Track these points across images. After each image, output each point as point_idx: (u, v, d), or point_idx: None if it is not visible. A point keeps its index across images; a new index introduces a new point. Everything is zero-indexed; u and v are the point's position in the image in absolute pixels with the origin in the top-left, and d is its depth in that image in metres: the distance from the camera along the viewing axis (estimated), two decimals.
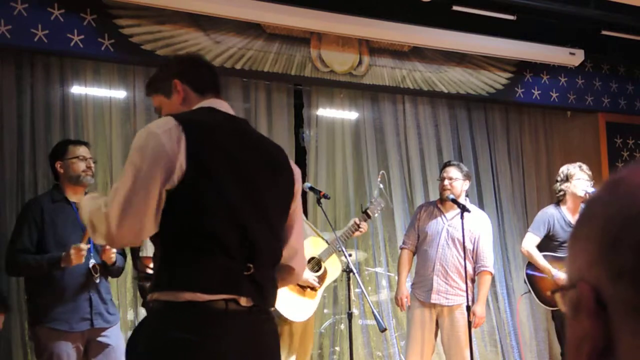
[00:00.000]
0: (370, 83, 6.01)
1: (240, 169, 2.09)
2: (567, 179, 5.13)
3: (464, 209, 4.72)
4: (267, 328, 2.14)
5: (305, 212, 5.88)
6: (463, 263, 4.75)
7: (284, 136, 5.91)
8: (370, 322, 5.96)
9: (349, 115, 6.33)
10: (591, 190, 5.01)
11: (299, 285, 4.43)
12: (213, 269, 1.99)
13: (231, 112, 2.27)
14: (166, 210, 1.99)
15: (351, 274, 4.40)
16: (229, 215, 2.02)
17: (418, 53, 6.16)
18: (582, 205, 0.78)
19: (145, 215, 1.96)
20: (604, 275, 0.65)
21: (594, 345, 0.66)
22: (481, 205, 6.65)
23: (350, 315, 4.43)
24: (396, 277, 5.18)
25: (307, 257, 4.48)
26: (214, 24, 5.32)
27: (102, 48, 4.94)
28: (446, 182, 4.87)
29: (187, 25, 5.25)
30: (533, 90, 6.72)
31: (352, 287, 4.63)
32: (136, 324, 2.96)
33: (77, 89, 5.23)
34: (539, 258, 5.01)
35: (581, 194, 5.00)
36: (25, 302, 4.32)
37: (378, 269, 6.10)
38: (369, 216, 4.73)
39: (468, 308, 4.70)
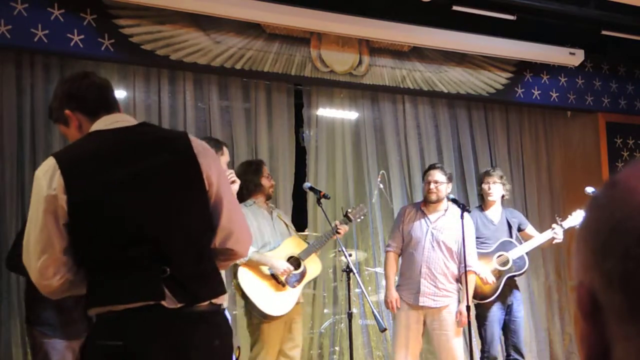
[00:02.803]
0: (370, 83, 6.01)
1: (130, 180, 2.12)
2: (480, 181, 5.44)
3: (464, 208, 4.74)
4: (197, 326, 2.13)
5: (305, 212, 5.90)
6: (450, 264, 4.85)
7: (284, 136, 5.91)
8: (370, 322, 5.96)
9: (349, 115, 6.33)
10: (591, 190, 5.04)
11: (276, 280, 4.47)
12: (126, 284, 2.07)
13: (125, 123, 2.29)
14: (72, 242, 2.10)
15: (351, 274, 4.40)
16: (126, 232, 2.09)
17: (418, 53, 6.16)
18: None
19: (58, 252, 2.08)
20: (597, 280, 0.66)
21: (590, 347, 0.67)
22: None
23: (350, 315, 4.43)
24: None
25: (287, 256, 4.56)
26: (214, 24, 5.32)
27: (102, 48, 4.94)
28: (432, 185, 4.90)
29: (187, 25, 5.24)
30: (533, 90, 6.73)
31: (352, 287, 4.63)
32: None
33: None
34: None
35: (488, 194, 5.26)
36: (24, 301, 4.31)
37: (378, 269, 6.10)
38: (349, 219, 4.78)
39: (468, 308, 4.73)
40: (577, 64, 6.63)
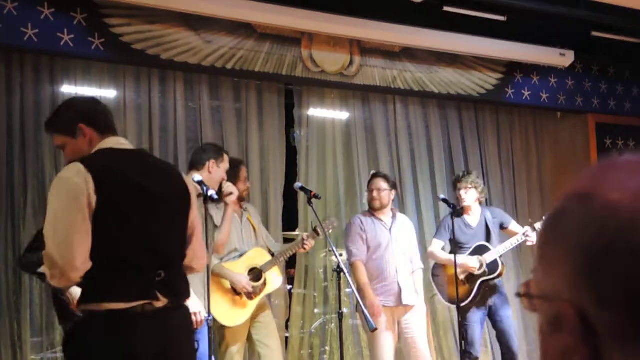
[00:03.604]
0: (361, 83, 6.02)
1: (144, 195, 2.55)
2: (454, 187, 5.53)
3: (454, 208, 4.84)
4: (179, 321, 2.64)
5: (295, 212, 5.90)
6: (409, 264, 5.04)
7: (274, 136, 5.91)
8: (361, 321, 5.96)
9: (340, 115, 6.33)
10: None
11: (235, 292, 4.52)
12: (128, 283, 2.47)
13: (128, 146, 2.71)
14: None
15: (342, 274, 4.41)
16: (139, 238, 2.51)
17: (409, 53, 6.17)
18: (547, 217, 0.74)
19: (90, 244, 2.42)
20: (588, 300, 0.64)
21: None
22: None
23: (340, 315, 4.44)
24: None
25: (249, 267, 4.61)
26: (205, 24, 5.31)
27: (92, 47, 4.93)
28: (375, 193, 5.03)
29: (178, 24, 5.23)
30: (523, 91, 6.75)
31: (342, 286, 4.64)
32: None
33: (67, 89, 5.21)
34: (442, 255, 5.32)
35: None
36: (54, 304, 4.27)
37: None
38: (317, 234, 4.80)
39: (460, 308, 4.82)
40: (567, 64, 6.66)
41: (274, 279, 4.74)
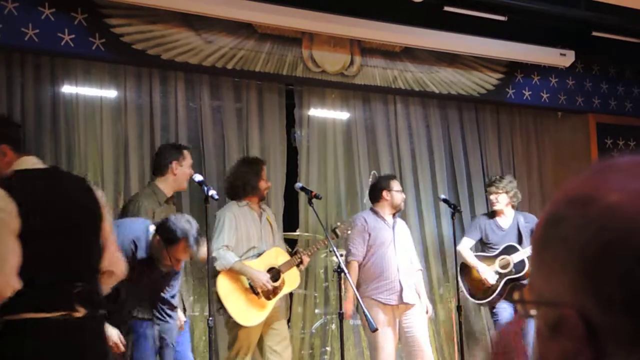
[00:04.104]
0: (362, 83, 6.01)
1: (59, 213, 2.70)
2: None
3: (455, 208, 4.91)
4: (95, 329, 2.80)
5: (296, 212, 5.90)
6: (410, 263, 5.14)
7: (275, 136, 5.91)
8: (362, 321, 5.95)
9: (341, 115, 6.33)
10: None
11: (252, 291, 4.49)
12: (47, 295, 2.61)
13: (41, 165, 2.82)
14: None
15: (342, 274, 4.41)
16: (56, 254, 2.65)
17: (409, 53, 6.17)
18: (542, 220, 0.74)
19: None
20: (590, 303, 0.64)
21: None
22: (472, 206, 6.68)
23: (341, 315, 4.45)
24: None
25: (268, 267, 4.58)
26: (206, 24, 5.31)
27: (93, 47, 4.92)
28: (402, 194, 5.31)
29: (179, 24, 5.23)
30: (524, 91, 6.74)
31: (343, 287, 4.63)
32: None
33: (67, 89, 5.21)
34: (468, 256, 5.51)
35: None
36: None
37: None
38: (337, 235, 4.82)
39: (459, 308, 4.89)
40: (567, 64, 6.65)
41: (292, 279, 4.72)
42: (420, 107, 6.62)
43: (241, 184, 4.69)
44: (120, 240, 3.31)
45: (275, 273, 4.60)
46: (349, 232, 4.97)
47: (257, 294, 4.51)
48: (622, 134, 7.24)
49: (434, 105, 6.67)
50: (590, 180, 0.68)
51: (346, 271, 4.32)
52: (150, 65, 5.36)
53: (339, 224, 5.02)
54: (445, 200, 5.05)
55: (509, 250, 5.37)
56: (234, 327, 4.50)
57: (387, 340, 4.88)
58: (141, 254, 3.62)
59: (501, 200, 5.46)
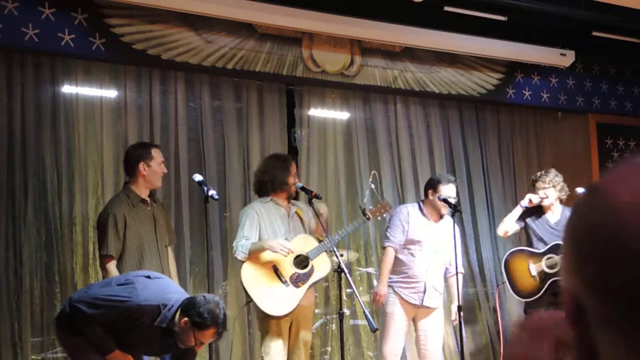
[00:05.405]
0: (362, 83, 6.01)
1: None
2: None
3: (455, 208, 4.83)
4: None
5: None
6: (443, 267, 5.06)
7: (275, 136, 5.91)
8: (362, 322, 5.96)
9: (341, 115, 6.33)
10: (582, 191, 5.06)
11: (280, 280, 4.46)
12: None
13: None
14: None
15: (342, 274, 4.40)
16: None
17: (410, 53, 6.17)
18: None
19: None
20: (578, 285, 0.67)
21: (578, 350, 0.69)
22: (472, 206, 6.68)
23: (341, 315, 4.43)
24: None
25: (295, 255, 4.51)
26: (206, 24, 5.31)
27: (93, 47, 4.92)
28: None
29: (179, 24, 5.23)
30: (524, 91, 6.75)
31: (343, 287, 4.63)
32: None
33: (67, 89, 5.21)
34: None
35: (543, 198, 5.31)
36: None
37: (369, 269, 6.11)
38: (368, 218, 4.79)
39: (459, 308, 4.87)
40: (567, 64, 6.66)
41: (322, 266, 4.63)
42: (420, 107, 6.62)
43: (269, 179, 4.63)
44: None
45: (302, 260, 4.54)
46: (385, 215, 4.94)
47: (284, 282, 4.45)
48: (622, 134, 7.25)
49: (434, 105, 6.67)
50: (609, 173, 0.70)
51: (346, 271, 4.31)
52: (150, 65, 5.36)
53: (371, 207, 4.92)
54: (445, 200, 5.03)
55: (557, 249, 5.16)
56: (263, 318, 4.45)
57: (398, 332, 4.90)
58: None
59: (550, 195, 5.26)
